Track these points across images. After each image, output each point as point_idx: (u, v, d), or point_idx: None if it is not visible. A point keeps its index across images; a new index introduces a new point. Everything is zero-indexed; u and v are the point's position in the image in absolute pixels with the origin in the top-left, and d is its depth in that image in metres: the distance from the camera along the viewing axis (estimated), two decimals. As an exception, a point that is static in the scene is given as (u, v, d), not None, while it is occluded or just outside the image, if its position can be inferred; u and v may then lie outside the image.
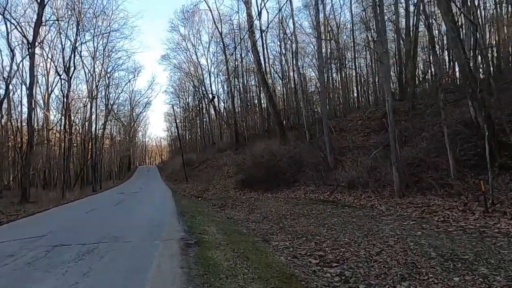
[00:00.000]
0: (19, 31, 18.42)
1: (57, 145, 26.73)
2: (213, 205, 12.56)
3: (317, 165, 15.55)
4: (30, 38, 17.82)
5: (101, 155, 34.22)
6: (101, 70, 32.14)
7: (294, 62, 19.18)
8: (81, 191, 23.79)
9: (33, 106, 18.07)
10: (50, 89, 31.07)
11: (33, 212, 12.43)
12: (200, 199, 16.10)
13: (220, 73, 39.92)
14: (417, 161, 11.08)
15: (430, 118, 14.24)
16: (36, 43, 18.80)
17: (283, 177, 16.44)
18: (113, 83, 37.45)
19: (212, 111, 42.75)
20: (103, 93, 37.30)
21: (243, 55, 30.78)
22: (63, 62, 25.14)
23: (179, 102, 55.55)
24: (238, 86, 32.97)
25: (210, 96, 36.47)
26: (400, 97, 20.97)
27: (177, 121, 63.80)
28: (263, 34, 24.26)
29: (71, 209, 12.91)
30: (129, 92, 49.15)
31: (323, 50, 23.14)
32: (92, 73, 30.74)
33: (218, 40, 34.14)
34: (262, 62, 22.38)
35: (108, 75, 38.80)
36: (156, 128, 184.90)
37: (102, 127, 36.43)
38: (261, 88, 22.81)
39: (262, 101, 28.44)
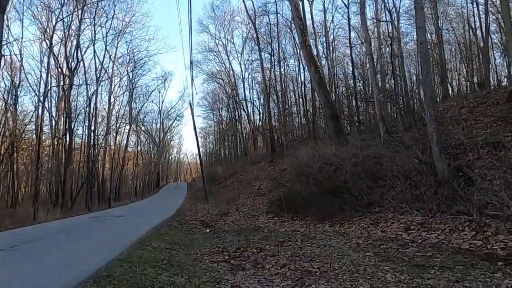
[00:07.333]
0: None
1: (55, 152, 22.25)
2: (219, 251, 6.05)
3: (413, 175, 8.73)
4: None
5: (112, 168, 29.56)
6: (100, 61, 27.67)
7: (360, 17, 12.47)
8: (71, 210, 18.67)
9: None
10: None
11: None
12: (209, 230, 9.74)
13: (255, 82, 35.40)
14: None
15: None
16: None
17: (347, 196, 9.68)
18: (134, 85, 33.26)
19: (245, 121, 37.18)
20: (126, 101, 33.51)
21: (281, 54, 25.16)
22: (65, 52, 20.97)
23: (213, 116, 51.55)
24: (274, 89, 27.08)
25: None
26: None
27: (210, 136, 59.63)
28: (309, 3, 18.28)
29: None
30: (157, 103, 45.46)
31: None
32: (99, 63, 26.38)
33: (252, 33, 28.84)
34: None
35: (132, 81, 35.19)
36: (191, 144, 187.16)
37: (125, 137, 32.21)
38: (307, 67, 16.32)
39: (307, 95, 21.87)
